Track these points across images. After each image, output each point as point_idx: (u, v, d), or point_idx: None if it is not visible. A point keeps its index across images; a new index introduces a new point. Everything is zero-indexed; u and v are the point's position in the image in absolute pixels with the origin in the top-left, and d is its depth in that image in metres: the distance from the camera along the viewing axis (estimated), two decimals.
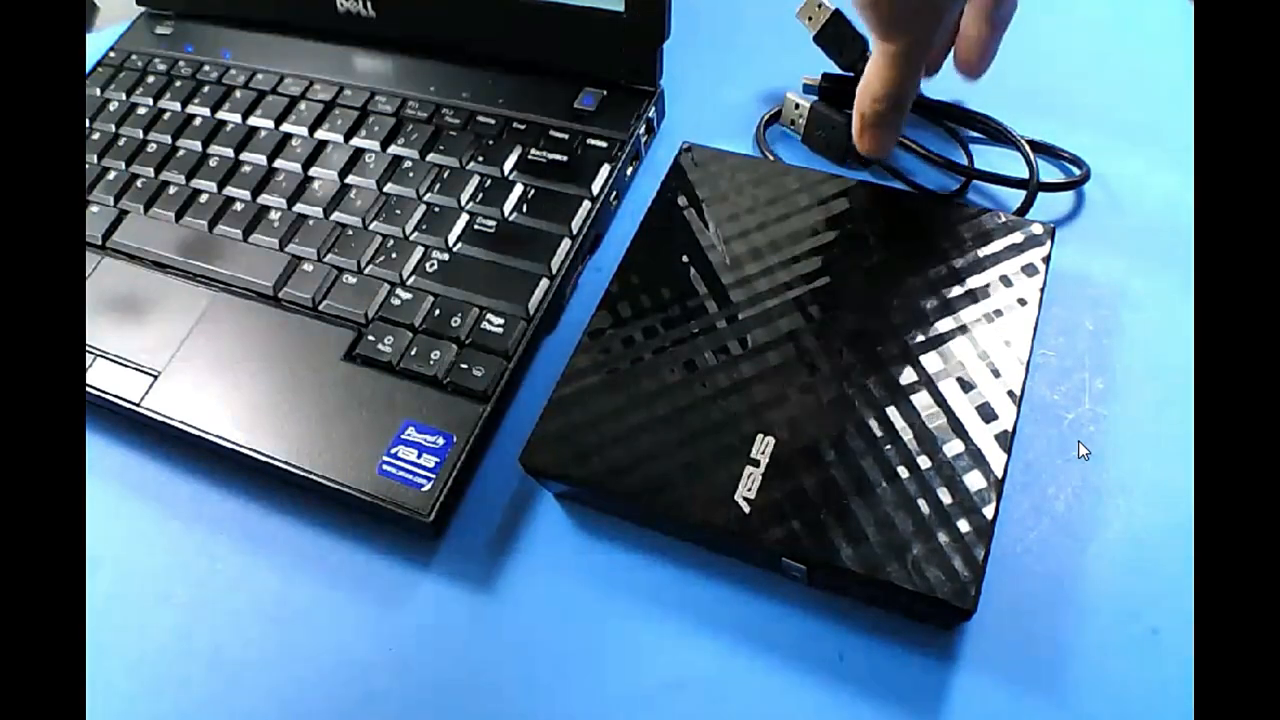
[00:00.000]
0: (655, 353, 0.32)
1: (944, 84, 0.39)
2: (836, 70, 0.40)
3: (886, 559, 0.26)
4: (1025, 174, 0.36)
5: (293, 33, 0.47)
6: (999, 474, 0.27)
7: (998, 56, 0.37)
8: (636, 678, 0.29)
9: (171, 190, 0.42)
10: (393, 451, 0.32)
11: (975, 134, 0.40)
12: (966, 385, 0.29)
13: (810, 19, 0.39)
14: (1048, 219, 0.36)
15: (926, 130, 0.40)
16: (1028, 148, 0.37)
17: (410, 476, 0.32)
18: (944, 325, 0.31)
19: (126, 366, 0.37)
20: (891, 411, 0.29)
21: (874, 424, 0.29)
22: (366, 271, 0.38)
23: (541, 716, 0.28)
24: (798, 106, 0.40)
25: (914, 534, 0.27)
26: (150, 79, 0.48)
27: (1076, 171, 0.37)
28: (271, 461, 0.33)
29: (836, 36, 0.39)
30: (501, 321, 0.35)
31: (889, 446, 0.28)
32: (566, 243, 0.37)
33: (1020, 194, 0.37)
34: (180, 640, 0.32)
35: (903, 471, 0.28)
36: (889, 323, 0.31)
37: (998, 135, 0.39)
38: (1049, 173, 0.38)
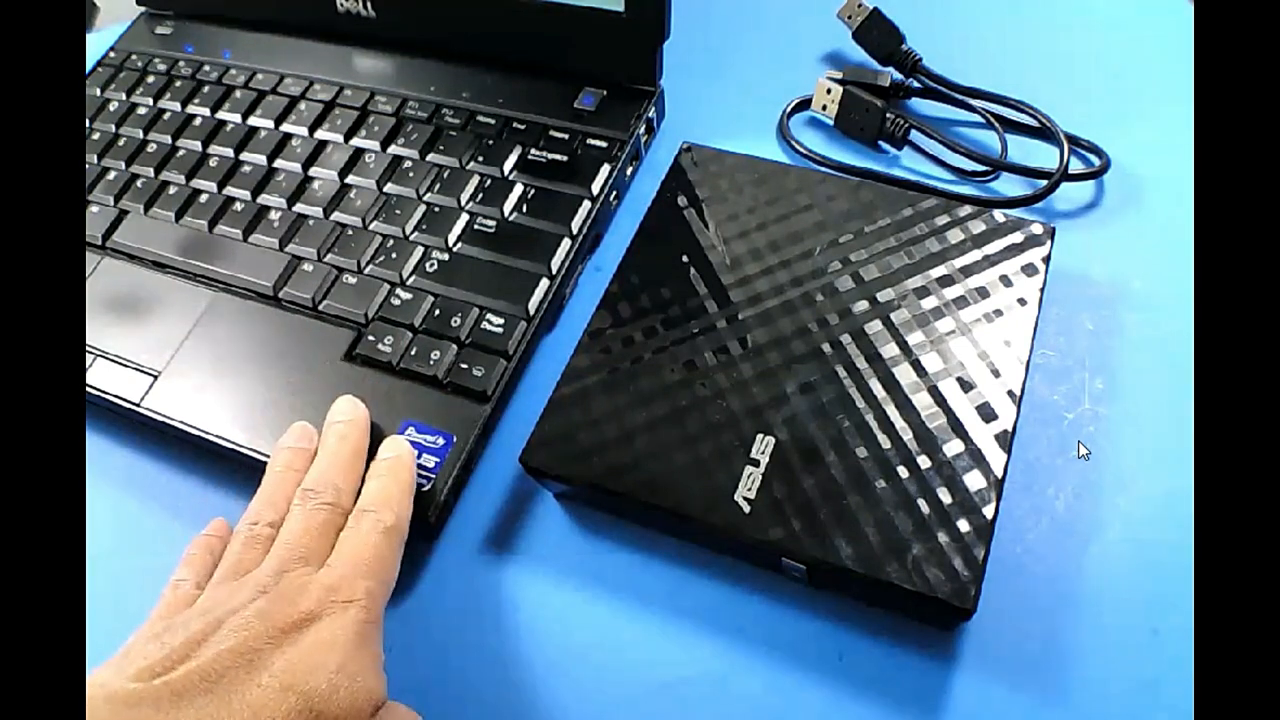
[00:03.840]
0: (655, 353, 0.32)
1: (955, 65, 0.39)
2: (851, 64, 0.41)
3: (886, 559, 0.26)
4: (1044, 162, 0.36)
5: (293, 33, 0.47)
6: (999, 474, 0.27)
7: (997, 58, 0.37)
8: (636, 677, 0.29)
9: (171, 190, 0.42)
10: None
11: (1007, 115, 0.40)
12: (966, 385, 0.29)
13: (850, 17, 0.42)
14: (1049, 219, 0.36)
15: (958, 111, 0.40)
16: (1064, 138, 0.37)
17: None
18: (944, 325, 0.31)
19: (126, 366, 0.37)
20: (891, 411, 0.29)
21: (874, 424, 0.29)
22: (366, 271, 0.38)
23: (541, 717, 0.28)
24: (830, 91, 0.40)
25: (914, 534, 0.27)
26: (150, 79, 0.48)
27: (1096, 161, 0.37)
28: None
29: (875, 32, 0.41)
30: (501, 321, 0.35)
31: (889, 446, 0.28)
32: (566, 243, 0.37)
33: (1034, 182, 0.37)
34: None
35: (903, 471, 0.28)
36: (889, 323, 0.31)
37: (1020, 116, 0.39)
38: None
